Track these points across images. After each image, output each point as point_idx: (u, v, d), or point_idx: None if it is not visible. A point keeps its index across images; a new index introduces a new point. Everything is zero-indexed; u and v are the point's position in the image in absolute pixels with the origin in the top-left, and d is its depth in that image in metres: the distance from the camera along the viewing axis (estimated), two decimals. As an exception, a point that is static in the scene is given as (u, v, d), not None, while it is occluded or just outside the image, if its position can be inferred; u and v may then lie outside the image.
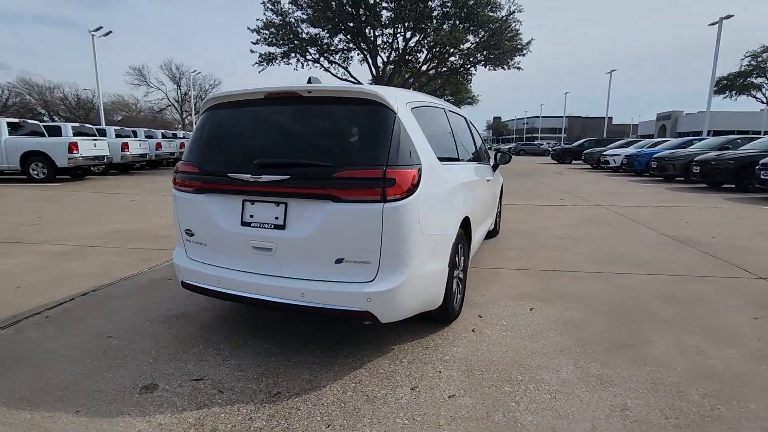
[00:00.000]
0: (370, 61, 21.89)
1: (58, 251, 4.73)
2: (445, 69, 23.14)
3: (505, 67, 20.14)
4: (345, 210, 2.12)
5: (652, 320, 2.95)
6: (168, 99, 46.60)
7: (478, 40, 19.66)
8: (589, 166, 21.43)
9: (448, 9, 18.69)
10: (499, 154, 4.91)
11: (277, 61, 21.59)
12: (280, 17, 19.92)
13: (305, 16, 19.91)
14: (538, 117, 75.28)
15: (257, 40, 20.52)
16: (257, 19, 20.55)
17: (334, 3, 19.06)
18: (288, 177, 2.18)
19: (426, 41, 19.74)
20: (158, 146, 17.10)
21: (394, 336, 2.71)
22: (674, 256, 4.57)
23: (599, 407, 2.00)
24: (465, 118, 4.12)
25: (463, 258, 3.08)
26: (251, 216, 2.32)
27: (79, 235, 5.51)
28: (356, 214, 2.12)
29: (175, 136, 21.41)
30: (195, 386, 2.17)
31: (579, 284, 3.71)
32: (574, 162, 24.85)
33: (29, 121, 13.48)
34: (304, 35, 20.91)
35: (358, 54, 22.42)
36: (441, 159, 2.72)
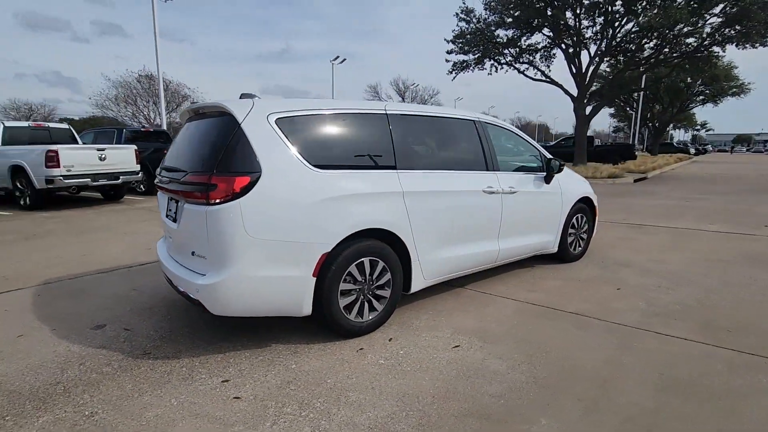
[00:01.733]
0: (570, 55, 19.64)
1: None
2: (676, 54, 18.56)
3: (757, 44, 14.55)
4: (189, 210, 2.45)
5: (598, 403, 2.07)
6: (394, 110, 53.25)
7: (719, 13, 14.93)
8: None
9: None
10: (556, 163, 4.03)
11: (471, 68, 21.87)
12: (472, 24, 20.13)
13: (497, 19, 19.49)
14: None
15: (451, 50, 21.33)
16: (452, 30, 21.36)
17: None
18: (168, 180, 2.65)
19: (647, 23, 16.24)
20: None
21: (289, 337, 2.81)
22: (825, 332, 2.78)
23: (334, 460, 1.70)
24: (474, 122, 3.61)
25: (389, 275, 2.86)
26: (170, 210, 2.89)
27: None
28: (193, 214, 2.41)
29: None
30: (118, 332, 2.90)
31: (572, 335, 2.80)
32: None
33: None
34: (499, 39, 20.50)
35: (561, 51, 20.43)
36: (338, 167, 2.67)
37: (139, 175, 9.74)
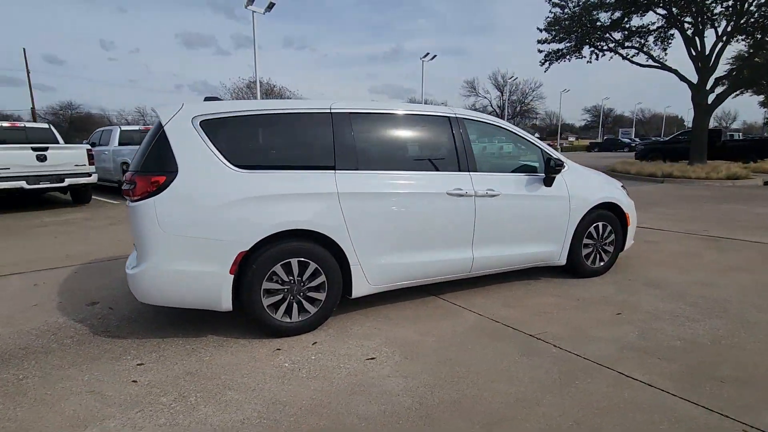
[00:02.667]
0: (690, 36, 16.75)
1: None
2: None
3: None
4: (128, 206, 2.68)
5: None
6: (492, 106, 51.32)
7: None
8: None
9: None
10: (555, 162, 3.51)
11: (567, 57, 19.98)
12: (568, 9, 18.34)
13: (597, 1, 17.43)
14: None
15: (544, 39, 19.70)
16: (545, 18, 19.67)
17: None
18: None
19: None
20: None
21: (229, 330, 2.91)
22: None
23: (157, 455, 1.74)
24: (449, 118, 3.29)
25: (323, 277, 2.80)
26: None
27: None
28: (128, 210, 2.64)
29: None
30: (102, 310, 3.30)
31: (507, 362, 2.44)
32: None
33: None
34: (600, 23, 18.38)
35: (678, 31, 17.56)
36: (264, 167, 2.70)
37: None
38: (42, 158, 8.18)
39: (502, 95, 44.66)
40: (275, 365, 2.46)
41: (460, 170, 3.25)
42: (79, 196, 9.29)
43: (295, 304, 2.79)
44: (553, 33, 19.46)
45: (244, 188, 2.60)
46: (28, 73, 29.41)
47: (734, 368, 2.33)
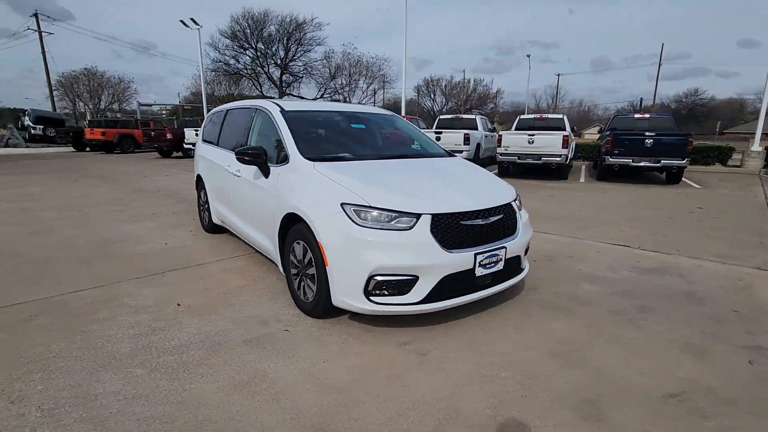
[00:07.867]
0: None
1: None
2: None
3: None
4: None
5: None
6: None
7: None
8: None
9: None
10: (282, 153, 3.43)
11: None
12: None
13: None
14: None
15: None
16: None
17: None
18: None
19: None
20: None
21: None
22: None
23: None
24: (253, 110, 4.09)
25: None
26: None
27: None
28: None
29: None
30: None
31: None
32: None
33: None
34: None
35: None
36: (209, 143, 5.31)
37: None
38: (530, 141, 10.69)
39: None
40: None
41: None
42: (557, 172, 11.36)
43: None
44: None
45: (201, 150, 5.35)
46: (659, 66, 39.44)
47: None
